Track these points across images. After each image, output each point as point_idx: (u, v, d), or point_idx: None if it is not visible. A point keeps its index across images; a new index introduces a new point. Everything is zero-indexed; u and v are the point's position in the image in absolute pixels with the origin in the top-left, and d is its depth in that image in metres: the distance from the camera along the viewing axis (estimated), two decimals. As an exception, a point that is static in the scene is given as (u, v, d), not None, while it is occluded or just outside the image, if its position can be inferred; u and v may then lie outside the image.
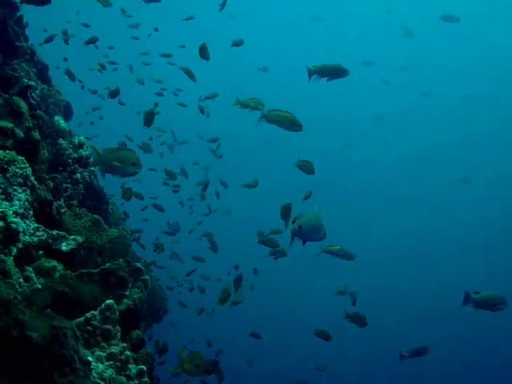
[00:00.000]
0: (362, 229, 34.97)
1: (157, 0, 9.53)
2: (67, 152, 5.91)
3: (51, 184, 5.45)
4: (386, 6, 35.13)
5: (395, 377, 24.43)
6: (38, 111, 7.25)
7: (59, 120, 7.65)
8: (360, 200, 36.01)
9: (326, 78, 6.35)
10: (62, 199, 5.50)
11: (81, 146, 6.06)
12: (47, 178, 5.54)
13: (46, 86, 8.48)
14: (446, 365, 25.73)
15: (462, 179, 31.43)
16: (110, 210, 8.92)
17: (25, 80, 5.27)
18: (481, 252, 33.78)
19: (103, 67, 12.37)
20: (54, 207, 5.13)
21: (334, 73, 6.40)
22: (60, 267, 4.46)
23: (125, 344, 3.89)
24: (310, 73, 6.22)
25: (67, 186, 5.77)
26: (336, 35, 37.62)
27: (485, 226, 35.75)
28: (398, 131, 38.54)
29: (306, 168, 6.96)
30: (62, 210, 5.25)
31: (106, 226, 5.69)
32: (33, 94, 7.55)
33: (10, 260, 3.79)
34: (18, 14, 8.11)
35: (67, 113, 9.30)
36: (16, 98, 5.46)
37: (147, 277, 4.70)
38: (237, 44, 9.45)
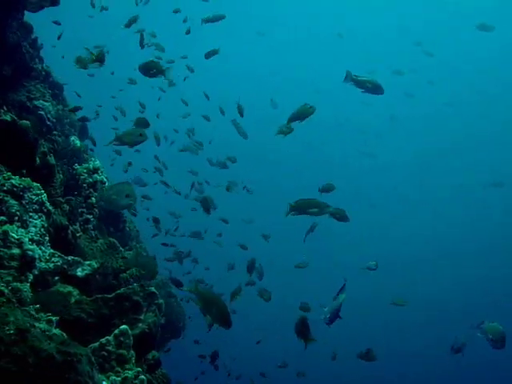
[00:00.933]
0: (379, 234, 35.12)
1: None
2: (82, 177, 6.00)
3: (66, 208, 5.54)
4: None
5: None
6: (54, 132, 7.37)
7: (75, 140, 7.75)
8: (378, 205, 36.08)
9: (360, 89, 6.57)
10: (78, 223, 5.58)
11: (95, 170, 6.15)
12: (63, 201, 5.63)
13: (61, 107, 8.58)
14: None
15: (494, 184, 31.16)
16: (127, 229, 8.99)
17: None
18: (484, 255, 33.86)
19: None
20: (69, 231, 5.22)
21: (371, 88, 6.62)
22: (75, 292, 4.53)
23: (139, 368, 3.95)
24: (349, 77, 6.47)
25: (82, 210, 5.85)
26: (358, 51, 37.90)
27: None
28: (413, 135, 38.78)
29: (340, 216, 7.10)
30: (78, 234, 5.34)
31: (122, 249, 5.77)
32: (48, 116, 7.66)
33: (26, 287, 3.87)
34: (33, 36, 8.22)
35: (83, 132, 9.41)
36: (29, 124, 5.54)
37: (161, 301, 4.76)
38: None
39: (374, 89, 6.65)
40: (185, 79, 15.11)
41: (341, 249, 32.05)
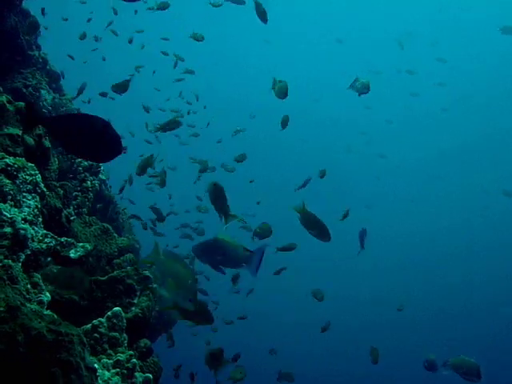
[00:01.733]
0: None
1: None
2: (77, 160, 5.91)
3: (61, 192, 5.45)
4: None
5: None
6: (50, 119, 7.28)
7: (70, 129, 7.65)
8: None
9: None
10: (72, 207, 5.49)
11: (91, 154, 6.05)
12: (57, 185, 5.55)
13: (57, 95, 8.50)
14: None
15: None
16: (121, 220, 8.93)
17: None
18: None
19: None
20: (63, 215, 5.13)
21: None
22: (68, 274, 4.45)
23: (131, 352, 3.87)
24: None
25: (77, 193, 5.76)
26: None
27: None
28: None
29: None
30: (72, 218, 5.25)
31: (116, 235, 5.68)
32: (44, 103, 7.58)
33: (17, 266, 3.78)
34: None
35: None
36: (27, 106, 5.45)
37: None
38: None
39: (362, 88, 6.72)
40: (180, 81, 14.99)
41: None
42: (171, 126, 9.03)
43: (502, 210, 35.92)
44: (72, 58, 13.60)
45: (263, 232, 7.39)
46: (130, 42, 14.37)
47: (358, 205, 34.40)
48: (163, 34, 15.99)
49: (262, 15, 7.53)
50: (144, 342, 4.93)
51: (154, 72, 15.62)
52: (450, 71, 37.30)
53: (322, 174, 9.99)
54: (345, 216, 8.94)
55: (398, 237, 35.63)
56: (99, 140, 3.40)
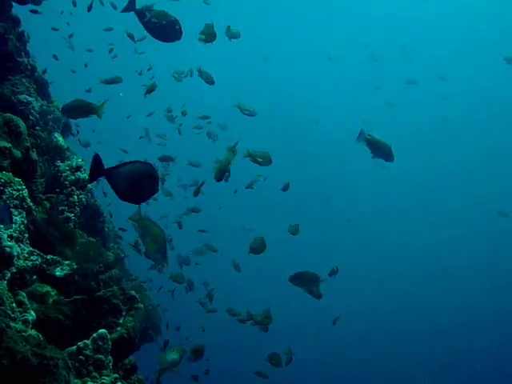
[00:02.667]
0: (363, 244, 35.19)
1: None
2: (64, 174, 5.85)
3: (47, 204, 5.41)
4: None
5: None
6: (37, 127, 7.24)
7: (58, 137, 7.61)
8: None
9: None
10: (58, 221, 5.44)
11: (78, 168, 6.00)
12: (43, 198, 5.50)
13: (45, 102, 8.44)
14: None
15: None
16: (106, 229, 8.87)
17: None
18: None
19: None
20: (49, 229, 5.08)
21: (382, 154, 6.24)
22: (53, 293, 4.41)
23: (117, 375, 3.82)
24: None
25: (63, 208, 5.71)
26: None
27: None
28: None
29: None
30: (58, 233, 5.19)
31: (103, 250, 5.64)
32: (32, 111, 7.52)
33: (3, 285, 3.74)
34: (20, 30, 8.09)
35: (66, 129, 9.26)
36: (15, 118, 5.41)
37: (141, 305, 4.64)
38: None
39: (386, 155, 6.23)
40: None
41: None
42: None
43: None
44: (56, 58, 13.44)
45: (257, 247, 7.41)
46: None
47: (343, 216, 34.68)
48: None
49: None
50: (128, 359, 4.90)
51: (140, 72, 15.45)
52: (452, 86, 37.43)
53: (285, 187, 10.07)
54: (332, 272, 8.86)
55: (393, 249, 35.56)
56: (150, 185, 3.63)
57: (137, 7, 5.15)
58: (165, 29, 5.08)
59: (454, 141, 39.81)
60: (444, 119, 37.90)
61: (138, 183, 3.55)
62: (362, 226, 35.31)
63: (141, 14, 5.04)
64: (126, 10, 5.14)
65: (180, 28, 5.08)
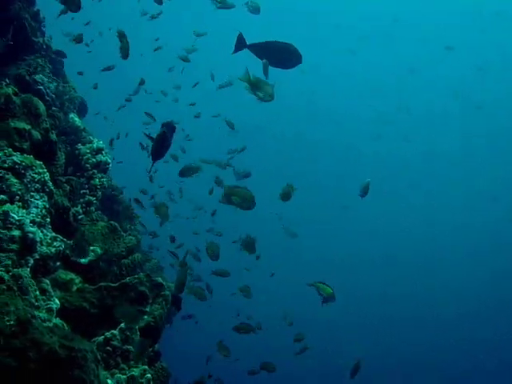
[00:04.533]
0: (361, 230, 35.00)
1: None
2: (85, 157, 5.72)
3: (67, 187, 5.27)
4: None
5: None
6: (54, 108, 7.09)
7: (74, 117, 7.48)
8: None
9: None
10: (80, 205, 5.31)
11: (99, 151, 5.86)
12: (63, 180, 5.36)
13: (61, 82, 8.29)
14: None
15: None
16: (121, 209, 8.77)
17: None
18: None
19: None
20: (70, 213, 4.95)
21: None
22: (78, 280, 4.28)
23: (145, 367, 3.70)
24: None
25: (85, 191, 5.58)
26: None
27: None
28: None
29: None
30: (79, 217, 5.07)
31: (123, 234, 5.49)
32: (48, 91, 7.37)
33: (26, 272, 3.60)
34: (35, 9, 7.93)
35: (82, 110, 9.12)
36: (34, 99, 5.26)
37: (168, 292, 4.50)
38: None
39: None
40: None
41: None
42: None
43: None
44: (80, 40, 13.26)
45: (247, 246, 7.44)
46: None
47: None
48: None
49: None
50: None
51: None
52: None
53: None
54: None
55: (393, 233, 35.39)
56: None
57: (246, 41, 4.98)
58: (282, 56, 4.96)
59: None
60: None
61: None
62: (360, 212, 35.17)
63: (255, 48, 4.89)
64: (237, 49, 4.96)
65: (296, 51, 4.93)
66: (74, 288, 4.20)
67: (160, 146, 4.34)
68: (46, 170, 4.40)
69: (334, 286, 7.57)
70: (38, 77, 7.28)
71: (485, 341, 28.03)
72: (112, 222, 5.51)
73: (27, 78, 7.20)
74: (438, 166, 39.25)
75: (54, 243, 4.11)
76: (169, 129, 4.29)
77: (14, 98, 5.07)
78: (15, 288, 3.34)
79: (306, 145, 38.10)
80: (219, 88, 12.54)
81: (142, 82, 13.52)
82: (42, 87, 7.20)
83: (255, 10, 8.16)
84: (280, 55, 4.84)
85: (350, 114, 39.31)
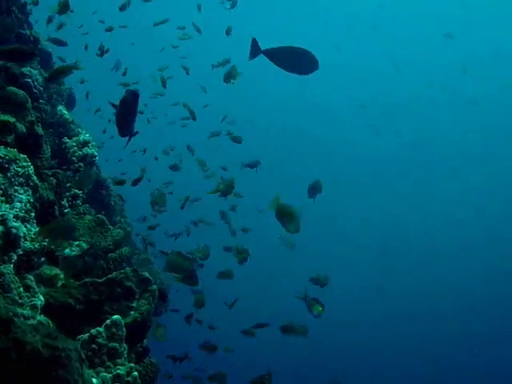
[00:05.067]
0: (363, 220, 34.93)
1: None
2: (72, 150, 5.64)
3: (53, 181, 5.19)
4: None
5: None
6: (41, 101, 7.00)
7: (62, 110, 7.40)
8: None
9: None
10: (66, 199, 5.23)
11: (86, 143, 5.79)
12: (49, 174, 5.28)
13: (49, 75, 8.22)
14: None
15: None
16: (112, 202, 8.70)
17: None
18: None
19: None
20: (56, 207, 4.87)
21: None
22: (63, 275, 4.20)
23: (132, 364, 3.62)
24: None
25: (71, 185, 5.50)
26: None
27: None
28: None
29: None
30: (65, 211, 4.99)
31: (111, 227, 5.41)
32: (35, 83, 7.28)
33: (9, 269, 3.52)
34: (22, 1, 7.85)
35: (70, 102, 9.03)
36: (19, 91, 5.18)
37: (155, 287, 4.42)
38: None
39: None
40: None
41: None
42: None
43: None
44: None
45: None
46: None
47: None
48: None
49: None
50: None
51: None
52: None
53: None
54: None
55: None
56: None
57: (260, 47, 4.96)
58: (298, 61, 4.97)
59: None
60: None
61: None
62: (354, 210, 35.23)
63: (270, 54, 4.90)
64: (253, 55, 4.93)
65: (312, 56, 4.91)
66: (59, 283, 4.13)
67: (122, 111, 4.09)
68: (30, 164, 4.31)
69: (331, 279, 7.50)
70: (25, 69, 7.18)
71: (480, 334, 28.04)
72: (99, 216, 5.44)
73: (14, 70, 7.11)
74: (430, 158, 39.16)
75: (38, 238, 4.03)
76: (130, 95, 4.08)
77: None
78: (-4, 285, 3.27)
79: (298, 138, 38.04)
80: (215, 67, 12.44)
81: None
82: (29, 80, 7.11)
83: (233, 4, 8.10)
84: (295, 61, 4.85)
85: (340, 107, 39.27)
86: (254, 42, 4.87)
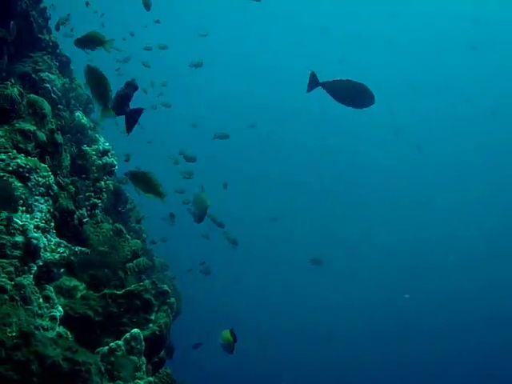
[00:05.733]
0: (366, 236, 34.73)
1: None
2: (91, 159, 5.64)
3: (72, 189, 5.19)
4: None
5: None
6: (60, 106, 7.02)
7: (80, 116, 7.41)
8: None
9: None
10: (84, 208, 5.23)
11: (105, 152, 5.79)
12: (69, 182, 5.28)
13: (67, 80, 8.22)
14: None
15: None
16: (128, 210, 8.69)
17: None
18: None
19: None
20: (75, 217, 4.87)
21: None
22: (82, 287, 4.20)
23: (151, 378, 3.61)
24: None
25: (90, 194, 5.50)
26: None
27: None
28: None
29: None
30: (84, 220, 4.98)
31: (129, 237, 5.41)
32: (54, 89, 7.29)
33: (29, 280, 3.52)
34: (42, 6, 7.87)
35: (88, 107, 9.05)
36: (40, 99, 5.18)
37: (173, 300, 4.42)
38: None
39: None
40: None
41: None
42: None
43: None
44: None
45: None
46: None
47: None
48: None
49: None
50: (157, 353, 4.70)
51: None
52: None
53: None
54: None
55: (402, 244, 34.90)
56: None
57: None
58: (355, 96, 5.07)
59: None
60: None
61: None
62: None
63: (329, 87, 5.00)
64: (311, 88, 5.02)
65: (369, 91, 4.99)
66: (79, 295, 4.13)
67: (120, 98, 4.43)
68: (50, 173, 4.31)
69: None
70: (44, 74, 7.20)
71: (474, 353, 27.84)
72: (117, 225, 5.45)
73: (33, 75, 7.13)
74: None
75: (59, 249, 4.03)
76: (129, 86, 4.42)
77: (20, 98, 5.00)
78: (17, 298, 3.26)
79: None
80: (191, 66, 12.42)
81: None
82: (48, 85, 7.13)
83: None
84: (354, 95, 4.99)
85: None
86: (313, 75, 5.01)
